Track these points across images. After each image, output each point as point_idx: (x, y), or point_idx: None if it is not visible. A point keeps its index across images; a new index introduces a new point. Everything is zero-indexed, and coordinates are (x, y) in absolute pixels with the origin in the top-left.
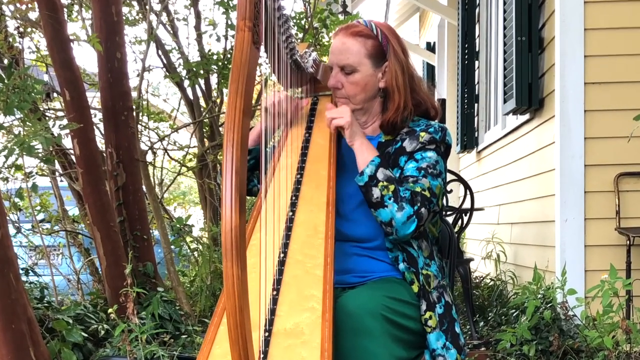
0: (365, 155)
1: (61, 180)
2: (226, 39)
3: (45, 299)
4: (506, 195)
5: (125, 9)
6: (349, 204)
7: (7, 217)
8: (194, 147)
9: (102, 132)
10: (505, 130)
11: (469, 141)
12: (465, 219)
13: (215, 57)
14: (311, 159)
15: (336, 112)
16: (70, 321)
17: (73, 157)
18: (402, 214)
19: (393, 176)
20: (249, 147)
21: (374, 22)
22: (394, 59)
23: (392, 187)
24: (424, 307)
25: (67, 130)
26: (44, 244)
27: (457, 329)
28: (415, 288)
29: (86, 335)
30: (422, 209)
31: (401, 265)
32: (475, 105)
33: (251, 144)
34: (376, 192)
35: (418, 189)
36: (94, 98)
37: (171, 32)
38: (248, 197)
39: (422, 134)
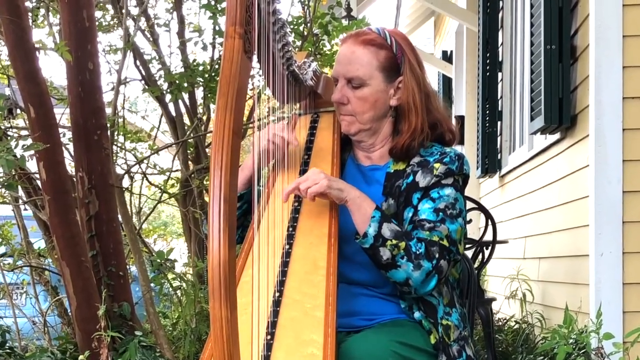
0: (362, 211)
1: (25, 209)
2: (214, 47)
3: (7, 344)
4: (533, 225)
5: (98, 13)
6: (353, 243)
7: None
8: (177, 170)
9: (72, 153)
10: (533, 151)
11: (490, 164)
12: (487, 253)
13: (201, 67)
14: None
15: (308, 178)
16: None
17: (39, 182)
18: (419, 272)
19: (400, 230)
20: (239, 192)
21: (387, 29)
22: (410, 74)
23: (402, 245)
24: None
25: (32, 152)
26: (6, 282)
27: None
28: (432, 339)
29: None
30: (442, 261)
31: (417, 314)
32: (498, 123)
33: (241, 188)
34: (385, 253)
35: (435, 238)
36: (62, 115)
37: (151, 39)
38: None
39: (437, 165)
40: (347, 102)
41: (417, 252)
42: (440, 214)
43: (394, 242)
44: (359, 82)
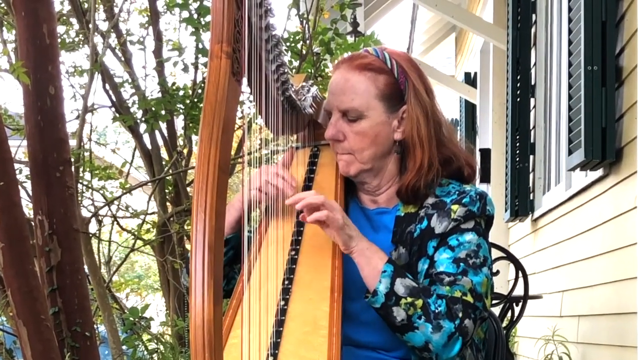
0: (372, 265)
1: None
2: (196, 68)
3: None
4: (572, 278)
5: (60, 29)
6: (358, 300)
7: None
8: (153, 213)
9: (30, 193)
10: (571, 191)
11: (521, 206)
12: (517, 310)
13: (181, 92)
14: (310, 231)
15: (326, 202)
16: None
17: None
18: (440, 335)
19: (417, 286)
20: (226, 236)
21: (388, 50)
22: (415, 102)
23: (419, 303)
24: None
25: None
26: None
27: None
28: None
29: None
30: (466, 321)
31: None
32: (531, 157)
33: (227, 231)
34: (400, 314)
35: (457, 294)
36: (18, 148)
37: (122, 59)
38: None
39: (455, 207)
40: (344, 139)
41: (437, 311)
42: (461, 264)
43: (410, 300)
44: (355, 115)
